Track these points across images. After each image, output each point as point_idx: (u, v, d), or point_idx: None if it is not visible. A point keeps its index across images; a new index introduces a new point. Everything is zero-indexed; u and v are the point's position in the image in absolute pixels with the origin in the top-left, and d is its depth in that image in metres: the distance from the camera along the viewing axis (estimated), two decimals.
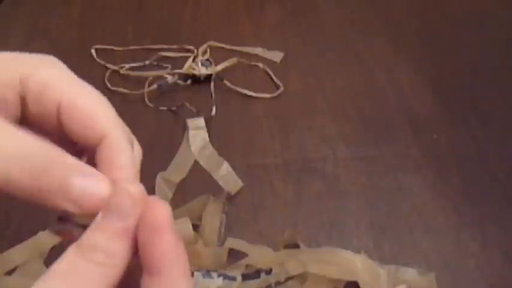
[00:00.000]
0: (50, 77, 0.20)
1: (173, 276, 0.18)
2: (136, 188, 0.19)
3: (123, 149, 0.20)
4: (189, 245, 0.47)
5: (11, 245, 0.48)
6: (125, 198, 0.18)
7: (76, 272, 0.17)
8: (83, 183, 0.18)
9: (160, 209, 0.19)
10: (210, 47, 0.72)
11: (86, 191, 0.18)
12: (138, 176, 0.22)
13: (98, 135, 0.20)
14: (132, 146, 0.22)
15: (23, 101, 0.21)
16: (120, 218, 0.18)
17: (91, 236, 0.18)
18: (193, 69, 0.66)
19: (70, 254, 0.18)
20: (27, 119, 0.21)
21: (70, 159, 0.19)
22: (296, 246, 0.48)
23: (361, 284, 0.44)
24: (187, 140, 0.58)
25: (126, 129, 0.22)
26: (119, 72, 0.68)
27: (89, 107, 0.20)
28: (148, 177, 0.53)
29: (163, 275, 0.18)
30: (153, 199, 0.19)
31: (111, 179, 0.19)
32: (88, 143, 0.21)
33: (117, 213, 0.18)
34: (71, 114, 0.20)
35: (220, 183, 0.53)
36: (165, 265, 0.18)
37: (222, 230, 0.50)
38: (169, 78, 0.65)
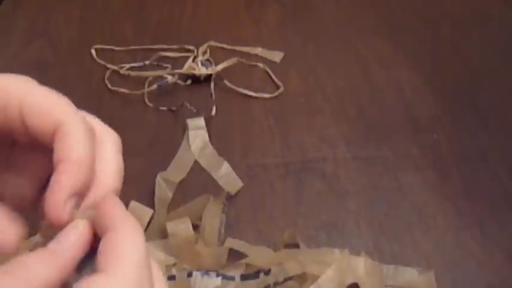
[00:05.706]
0: (12, 89, 0.22)
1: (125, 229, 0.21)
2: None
3: (74, 131, 0.22)
4: (189, 245, 0.47)
5: None
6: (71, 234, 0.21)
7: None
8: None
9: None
10: (210, 47, 0.72)
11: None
12: (117, 156, 0.24)
13: (53, 123, 0.22)
14: (93, 133, 0.23)
15: None
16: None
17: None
18: (193, 69, 0.66)
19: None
20: None
21: None
22: (296, 246, 0.48)
23: (361, 284, 0.44)
24: (187, 140, 0.58)
25: (87, 118, 0.23)
26: (119, 72, 0.68)
27: (44, 100, 0.22)
28: (148, 177, 0.53)
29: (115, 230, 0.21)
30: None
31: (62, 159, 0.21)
32: (46, 133, 0.22)
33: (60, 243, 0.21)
34: (28, 111, 0.22)
35: (220, 183, 0.53)
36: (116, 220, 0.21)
37: (222, 230, 0.50)
38: (169, 78, 0.65)
